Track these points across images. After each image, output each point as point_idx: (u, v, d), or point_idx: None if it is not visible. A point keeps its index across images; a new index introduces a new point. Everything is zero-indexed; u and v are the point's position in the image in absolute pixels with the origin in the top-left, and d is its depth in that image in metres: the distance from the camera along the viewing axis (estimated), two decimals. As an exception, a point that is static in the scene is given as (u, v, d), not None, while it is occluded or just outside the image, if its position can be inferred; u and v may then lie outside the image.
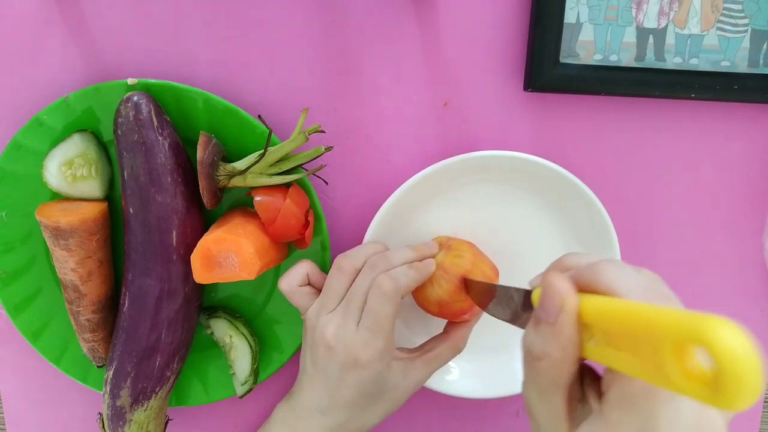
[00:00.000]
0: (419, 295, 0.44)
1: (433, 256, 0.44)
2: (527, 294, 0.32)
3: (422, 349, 0.44)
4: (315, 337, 0.41)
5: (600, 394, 0.28)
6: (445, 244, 0.45)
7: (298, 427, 0.42)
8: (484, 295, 0.40)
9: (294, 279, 0.43)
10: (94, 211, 0.43)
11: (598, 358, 0.27)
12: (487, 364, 0.51)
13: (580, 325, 0.27)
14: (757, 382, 0.19)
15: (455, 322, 0.45)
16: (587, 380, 0.29)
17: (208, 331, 0.48)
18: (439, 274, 0.43)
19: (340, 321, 0.40)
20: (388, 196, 0.45)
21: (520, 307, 0.34)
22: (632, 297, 0.26)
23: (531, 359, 0.29)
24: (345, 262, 0.42)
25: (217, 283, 0.49)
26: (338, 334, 0.40)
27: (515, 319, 0.35)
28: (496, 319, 0.42)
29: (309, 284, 0.44)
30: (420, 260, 0.43)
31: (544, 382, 0.29)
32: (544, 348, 0.28)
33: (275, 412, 0.44)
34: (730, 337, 0.19)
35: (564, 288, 0.27)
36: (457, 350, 0.44)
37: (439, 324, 0.46)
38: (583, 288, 0.28)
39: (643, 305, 0.24)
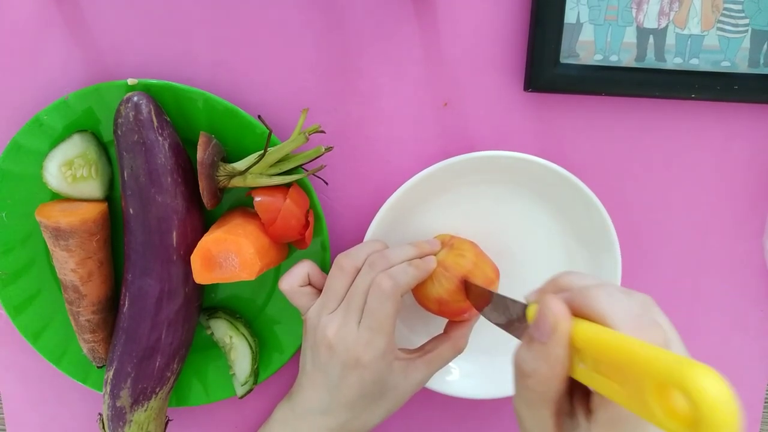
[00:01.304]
0: (419, 292, 0.44)
1: (435, 254, 0.44)
2: (523, 307, 0.33)
3: (423, 349, 0.44)
4: (316, 338, 0.41)
5: (589, 412, 0.28)
6: (447, 242, 0.45)
7: (299, 428, 0.42)
8: (482, 299, 0.41)
9: (295, 279, 0.43)
10: (94, 211, 0.43)
11: (587, 382, 0.28)
12: (487, 364, 0.51)
13: (572, 348, 0.28)
14: (734, 430, 0.20)
15: (455, 322, 0.45)
16: (577, 395, 0.30)
17: (208, 332, 0.48)
18: (439, 272, 0.42)
19: (341, 321, 0.40)
20: (388, 196, 0.45)
21: (515, 318, 0.35)
22: (622, 326, 0.26)
23: (521, 375, 0.30)
24: (345, 261, 0.42)
25: (217, 284, 0.49)
26: (340, 334, 0.40)
27: (509, 327, 0.36)
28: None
29: (310, 284, 0.44)
30: (420, 257, 0.43)
31: (532, 397, 0.29)
32: (534, 366, 0.29)
33: (275, 412, 0.44)
34: (709, 385, 0.20)
35: (558, 310, 0.28)
36: (458, 350, 0.44)
37: (439, 323, 0.46)
38: (577, 311, 0.29)
39: (631, 340, 0.25)
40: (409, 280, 0.41)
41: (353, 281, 0.42)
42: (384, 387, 0.41)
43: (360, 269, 0.42)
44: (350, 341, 0.40)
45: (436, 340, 0.45)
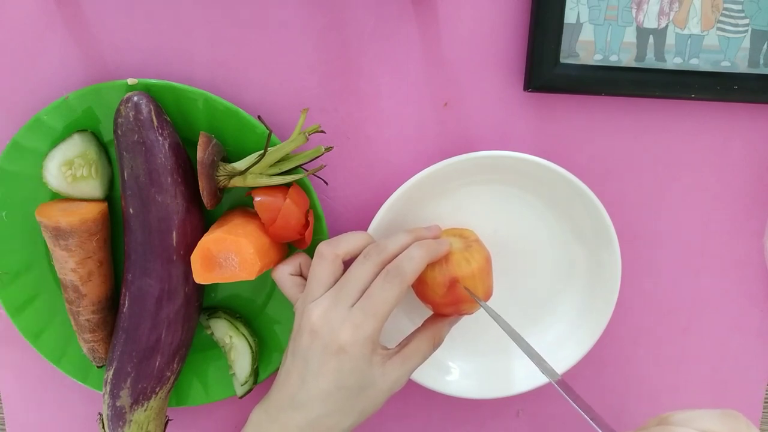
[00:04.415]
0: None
1: (436, 239, 0.44)
2: None
3: (399, 345, 0.43)
4: (301, 324, 0.40)
5: None
6: (467, 240, 0.45)
7: (270, 430, 0.40)
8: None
9: (287, 267, 0.44)
10: (94, 211, 0.43)
11: None
12: (487, 364, 0.51)
13: None
14: None
15: (435, 315, 0.45)
16: None
17: (208, 332, 0.48)
18: (441, 260, 0.43)
19: (329, 305, 0.40)
20: (388, 196, 0.45)
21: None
22: None
23: None
24: (325, 249, 0.42)
25: (217, 284, 0.49)
26: (326, 317, 0.39)
27: None
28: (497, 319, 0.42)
29: (301, 276, 0.44)
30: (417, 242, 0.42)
31: None
32: None
33: (250, 416, 0.42)
34: None
35: None
36: (435, 344, 0.43)
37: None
38: None
39: None
40: (416, 265, 0.40)
41: (335, 268, 0.41)
42: (362, 381, 0.39)
43: (341, 257, 0.42)
44: (336, 323, 0.39)
45: (412, 333, 0.44)
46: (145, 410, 0.44)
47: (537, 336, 0.50)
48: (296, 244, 0.46)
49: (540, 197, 0.48)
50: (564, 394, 0.36)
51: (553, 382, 0.38)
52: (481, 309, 0.43)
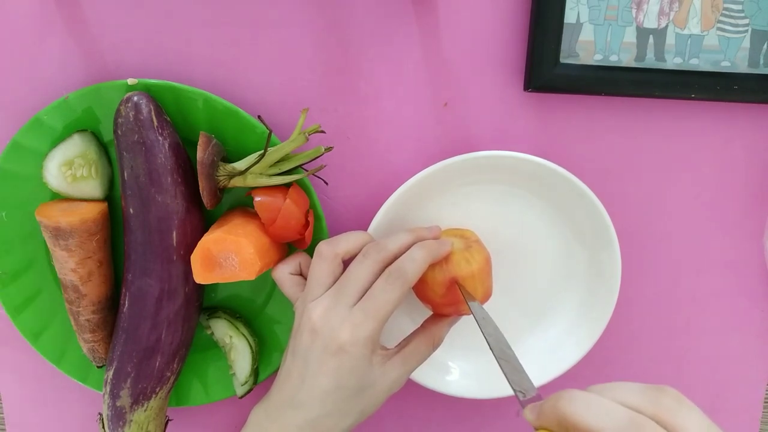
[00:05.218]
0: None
1: (435, 239, 0.44)
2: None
3: (399, 345, 0.43)
4: (301, 323, 0.40)
5: None
6: (468, 240, 0.45)
7: (269, 430, 0.40)
8: (460, 307, 0.43)
9: (286, 266, 0.44)
10: (94, 211, 0.43)
11: None
12: (487, 364, 0.51)
13: None
14: None
15: (434, 316, 0.45)
16: None
17: (208, 332, 0.48)
18: (441, 260, 0.42)
19: (329, 304, 0.40)
20: (388, 196, 0.45)
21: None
22: None
23: None
24: (325, 248, 0.42)
25: (217, 284, 0.49)
26: (326, 316, 0.39)
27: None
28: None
29: (301, 275, 0.44)
30: (417, 242, 0.42)
31: None
32: None
33: (250, 416, 0.42)
34: None
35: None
36: (434, 345, 0.43)
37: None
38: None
39: None
40: (418, 266, 0.40)
41: (334, 268, 0.41)
42: (361, 381, 0.39)
43: (340, 256, 0.41)
44: (336, 323, 0.39)
45: (411, 334, 0.44)
46: (145, 410, 0.44)
47: (537, 336, 0.50)
48: (296, 244, 0.46)
49: (540, 197, 0.48)
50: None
51: (519, 400, 0.36)
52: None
